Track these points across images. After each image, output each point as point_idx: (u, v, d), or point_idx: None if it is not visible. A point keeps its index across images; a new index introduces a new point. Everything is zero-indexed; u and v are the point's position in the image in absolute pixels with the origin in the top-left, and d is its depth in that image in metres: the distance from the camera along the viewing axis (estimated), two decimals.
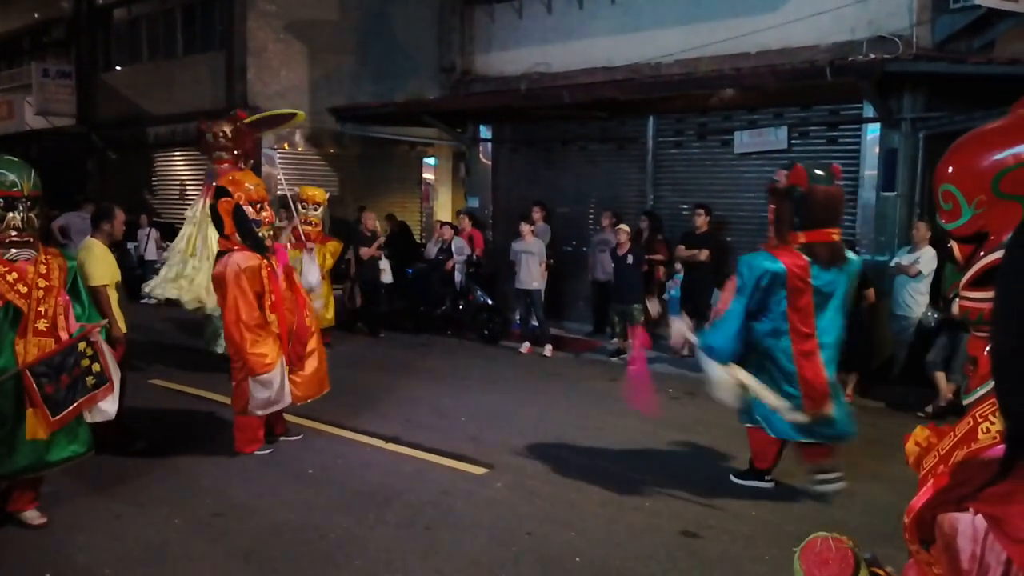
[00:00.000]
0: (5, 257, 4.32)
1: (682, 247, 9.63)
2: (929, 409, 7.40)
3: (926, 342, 7.76)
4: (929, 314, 7.78)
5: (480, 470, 5.76)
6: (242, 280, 5.70)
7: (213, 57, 16.50)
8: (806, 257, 4.95)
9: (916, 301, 7.99)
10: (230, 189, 5.88)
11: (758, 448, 5.42)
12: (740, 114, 10.16)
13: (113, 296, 5.88)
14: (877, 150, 8.95)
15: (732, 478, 5.61)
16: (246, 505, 5.07)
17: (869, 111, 8.98)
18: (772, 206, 5.21)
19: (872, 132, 9.02)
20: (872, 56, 8.39)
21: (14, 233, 4.33)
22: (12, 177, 4.32)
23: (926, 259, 7.89)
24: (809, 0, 9.31)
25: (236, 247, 5.83)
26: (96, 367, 4.55)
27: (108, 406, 4.67)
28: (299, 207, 9.22)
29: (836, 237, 5.10)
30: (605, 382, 8.66)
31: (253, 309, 5.72)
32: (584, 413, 7.40)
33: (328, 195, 9.90)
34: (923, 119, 8.70)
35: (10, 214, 4.30)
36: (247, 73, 15.54)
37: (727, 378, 5.02)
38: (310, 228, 9.15)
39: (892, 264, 8.27)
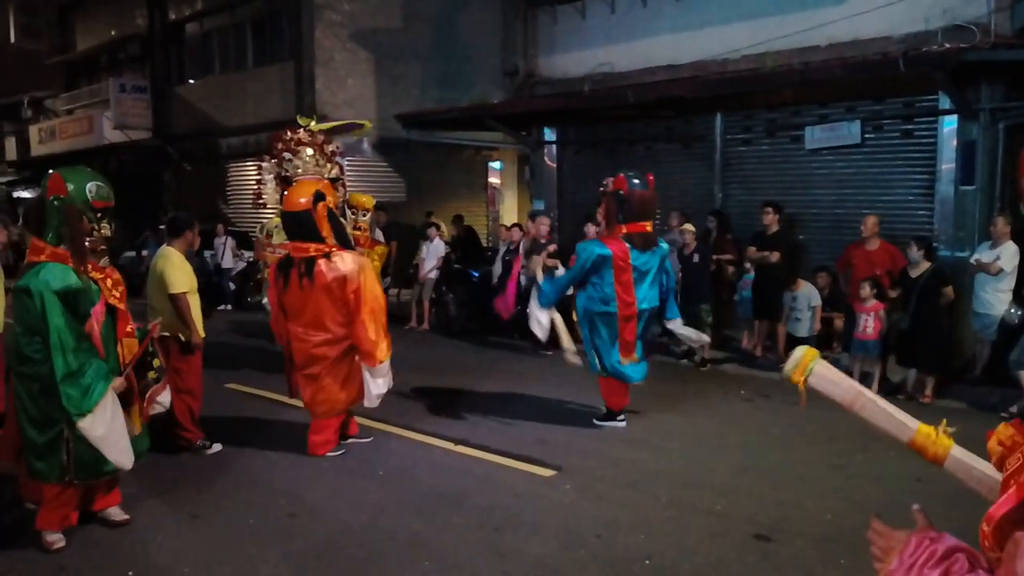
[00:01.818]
0: (99, 264, 4.52)
1: (752, 248, 9.43)
2: (1013, 409, 7.10)
3: (1009, 340, 7.45)
4: (1012, 311, 7.48)
5: (548, 472, 5.75)
6: (372, 271, 5.99)
7: (282, 68, 16.92)
8: (627, 244, 6.42)
9: (998, 298, 7.68)
10: (325, 193, 6.07)
11: (608, 392, 6.85)
12: (811, 109, 9.93)
13: (193, 302, 6.08)
14: (955, 142, 8.63)
15: (595, 421, 6.90)
16: (318, 506, 5.17)
17: (945, 102, 8.67)
18: (602, 206, 6.67)
19: (949, 124, 8.70)
20: (947, 46, 8.10)
21: (104, 242, 4.54)
22: (108, 189, 4.53)
23: (1007, 255, 7.59)
24: None
25: (333, 248, 5.96)
26: (156, 362, 4.79)
27: (164, 399, 4.89)
28: (348, 213, 9.41)
29: (649, 228, 6.64)
30: (674, 384, 8.56)
31: (381, 296, 5.99)
32: (653, 415, 7.32)
33: (375, 202, 10.00)
34: (1003, 109, 8.37)
35: (104, 224, 4.49)
36: (315, 83, 15.88)
37: (544, 316, 6.74)
38: (359, 233, 9.32)
39: (972, 261, 7.96)
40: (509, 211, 18.24)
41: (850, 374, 8.26)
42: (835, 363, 8.90)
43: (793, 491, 5.35)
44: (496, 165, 18.36)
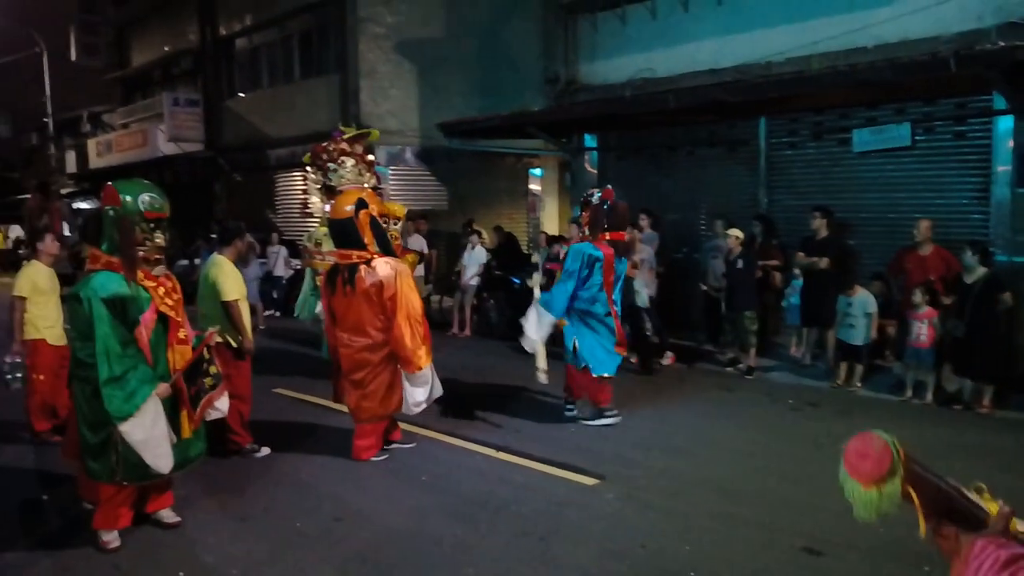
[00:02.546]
0: (152, 272, 4.64)
1: (801, 254, 9.26)
2: None
3: None
4: None
5: (592, 481, 5.71)
6: (409, 278, 6.04)
7: (328, 80, 17.17)
8: (612, 248, 7.03)
9: None
10: (368, 202, 6.16)
11: (589, 388, 7.16)
12: (858, 111, 9.75)
13: (244, 309, 6.20)
14: (1010, 143, 8.39)
15: (583, 422, 7.17)
16: (363, 510, 5.21)
17: (1000, 102, 8.44)
18: (587, 214, 7.22)
19: (1004, 124, 8.47)
20: (1002, 44, 7.89)
21: (158, 252, 4.66)
22: (162, 201, 4.65)
23: None
24: None
25: (375, 255, 6.04)
26: (213, 368, 4.88)
27: (222, 404, 4.98)
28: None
29: (625, 237, 7.34)
30: (720, 392, 8.46)
31: (418, 303, 6.04)
32: (698, 424, 7.24)
33: (407, 210, 10.06)
34: None
35: (157, 233, 4.62)
36: (360, 94, 16.08)
37: (546, 326, 7.05)
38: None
39: None
40: (550, 218, 18.23)
41: (903, 383, 8.16)
42: (888, 372, 8.70)
43: (844, 503, 5.23)
44: (537, 172, 18.38)
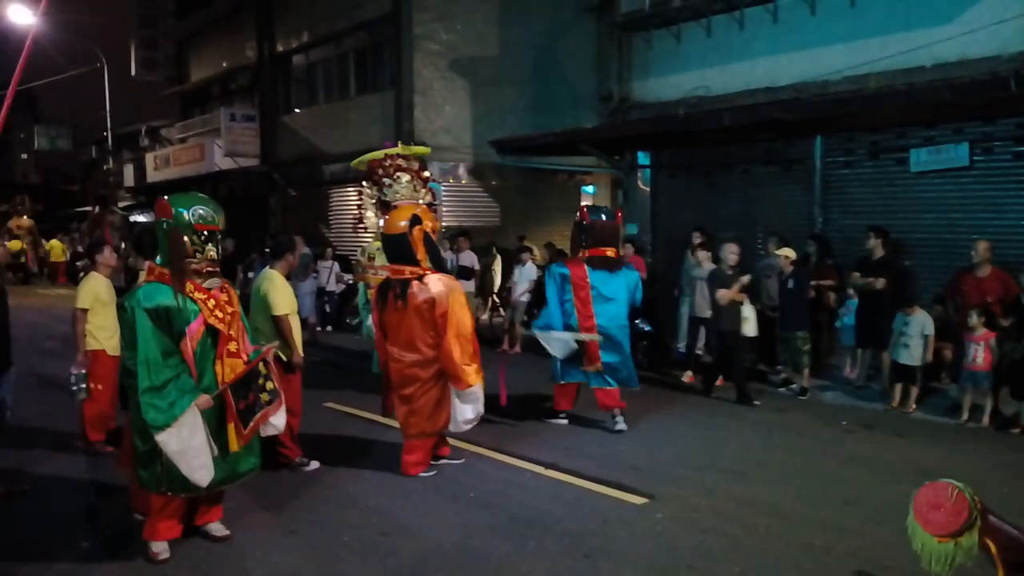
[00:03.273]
0: (203, 285, 4.71)
1: (857, 274, 9.11)
2: None
3: None
4: None
5: (641, 500, 5.68)
6: (462, 296, 6.10)
7: (383, 97, 17.42)
8: (586, 265, 7.43)
9: None
10: (422, 217, 6.22)
11: (559, 396, 7.82)
12: (916, 131, 9.57)
13: (294, 324, 6.30)
14: None
15: (542, 418, 7.87)
16: (410, 526, 5.24)
17: None
18: (571, 233, 7.82)
19: None
20: None
21: (210, 264, 4.73)
22: (213, 214, 4.74)
23: None
24: (990, 8, 8.69)
25: (427, 271, 6.12)
26: (270, 384, 4.87)
27: (278, 420, 4.97)
28: None
29: (610, 253, 7.55)
30: (772, 413, 8.34)
31: (468, 321, 6.08)
32: (750, 444, 7.15)
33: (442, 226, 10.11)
34: None
35: (209, 246, 4.70)
36: (414, 111, 16.29)
37: (563, 335, 7.43)
38: None
39: None
40: None
41: (959, 406, 7.97)
42: (943, 395, 8.50)
43: (898, 527, 5.11)
44: (589, 189, 18.37)
